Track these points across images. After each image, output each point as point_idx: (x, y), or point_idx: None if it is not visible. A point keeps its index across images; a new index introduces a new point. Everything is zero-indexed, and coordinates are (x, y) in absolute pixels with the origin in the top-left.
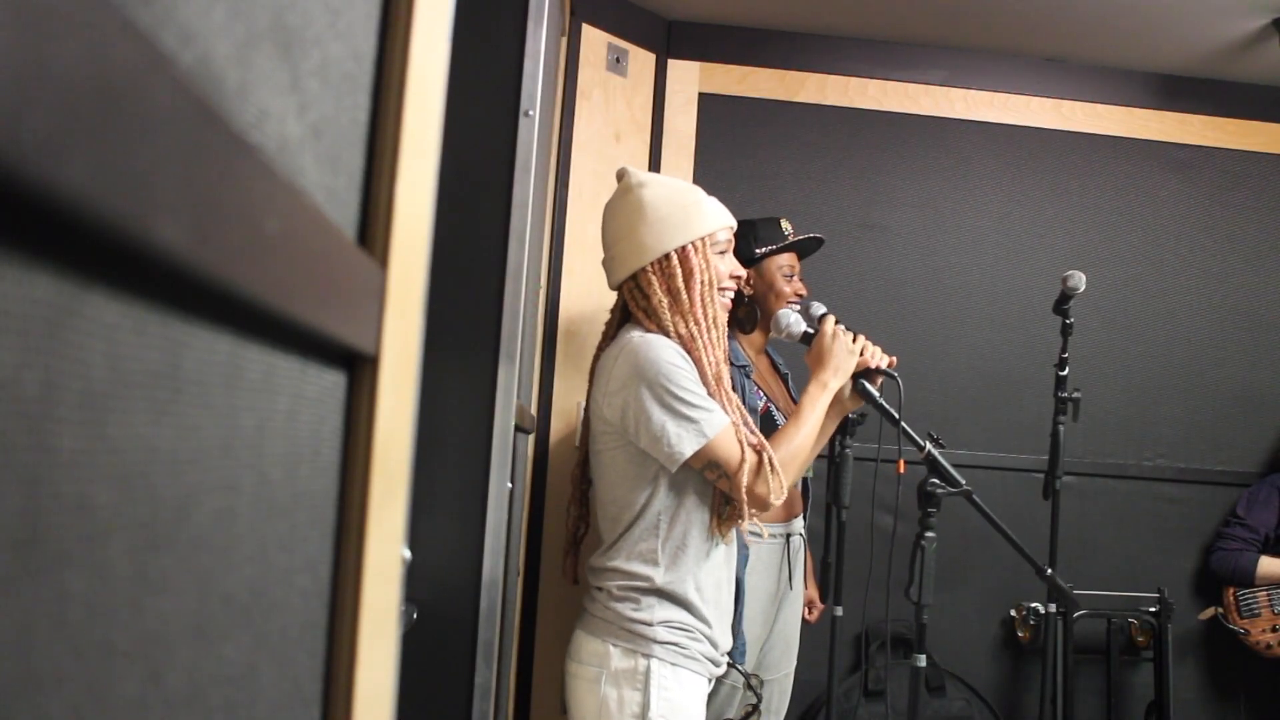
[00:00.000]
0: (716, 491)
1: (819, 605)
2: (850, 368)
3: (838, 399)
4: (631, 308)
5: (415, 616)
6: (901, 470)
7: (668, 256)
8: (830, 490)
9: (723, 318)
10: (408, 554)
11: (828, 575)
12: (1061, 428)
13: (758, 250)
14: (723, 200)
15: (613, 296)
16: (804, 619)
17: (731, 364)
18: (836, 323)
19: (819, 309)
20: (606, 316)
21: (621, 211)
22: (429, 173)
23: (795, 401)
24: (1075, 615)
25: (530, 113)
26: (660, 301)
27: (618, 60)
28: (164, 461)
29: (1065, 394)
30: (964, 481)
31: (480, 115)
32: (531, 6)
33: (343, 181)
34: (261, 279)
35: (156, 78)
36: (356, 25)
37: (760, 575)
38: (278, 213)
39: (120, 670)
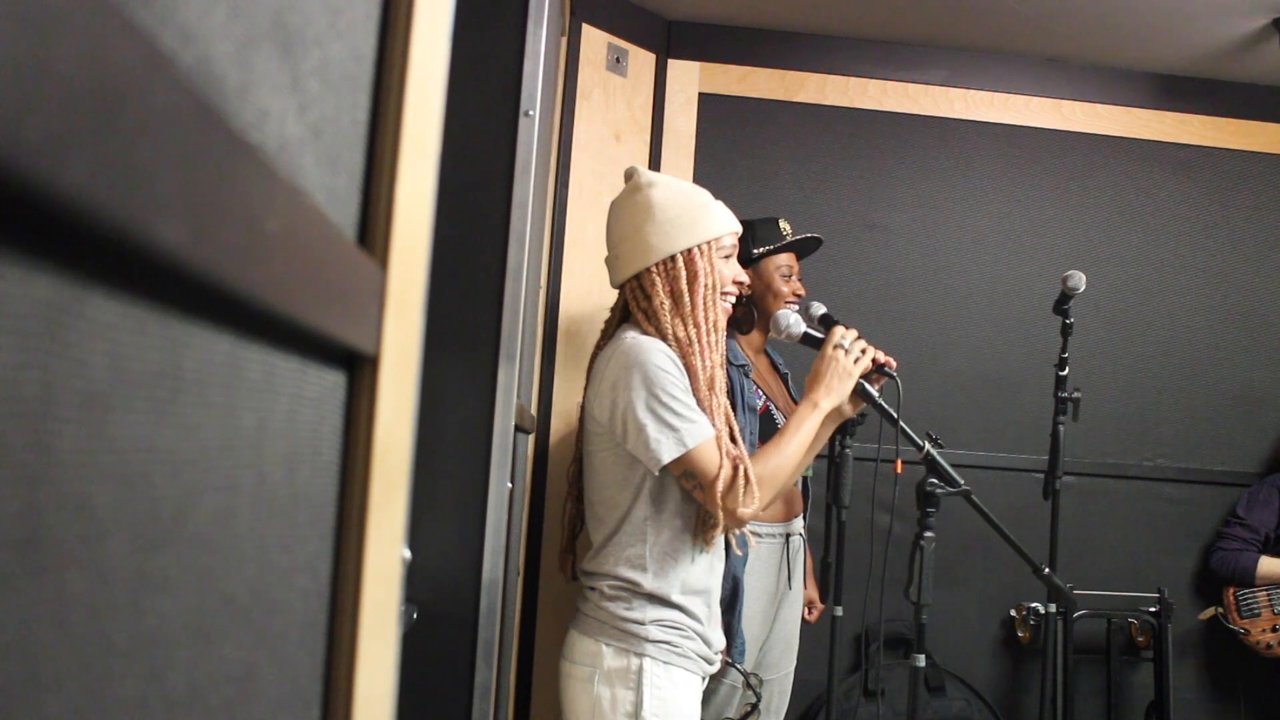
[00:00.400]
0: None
1: (819, 605)
2: (846, 391)
3: (837, 407)
4: (632, 307)
5: (415, 616)
6: (899, 470)
7: (673, 258)
8: (830, 490)
9: (723, 322)
10: (408, 554)
11: (827, 575)
12: (1061, 428)
13: (755, 250)
14: (723, 200)
15: (613, 296)
16: (804, 619)
17: (731, 363)
18: (837, 324)
19: (819, 309)
20: (607, 315)
21: (629, 210)
22: (429, 173)
23: (795, 401)
24: (1075, 615)
25: (530, 113)
26: (662, 303)
27: (618, 60)
28: (164, 461)
29: (1065, 394)
30: (963, 481)
31: (480, 115)
32: (531, 6)
33: (343, 181)
34: (261, 279)
35: (157, 78)
36: (356, 25)
37: (760, 575)
38: (278, 213)
39: (120, 670)
